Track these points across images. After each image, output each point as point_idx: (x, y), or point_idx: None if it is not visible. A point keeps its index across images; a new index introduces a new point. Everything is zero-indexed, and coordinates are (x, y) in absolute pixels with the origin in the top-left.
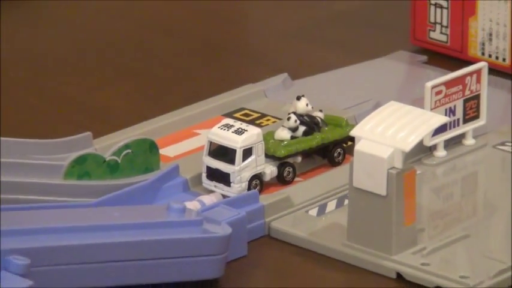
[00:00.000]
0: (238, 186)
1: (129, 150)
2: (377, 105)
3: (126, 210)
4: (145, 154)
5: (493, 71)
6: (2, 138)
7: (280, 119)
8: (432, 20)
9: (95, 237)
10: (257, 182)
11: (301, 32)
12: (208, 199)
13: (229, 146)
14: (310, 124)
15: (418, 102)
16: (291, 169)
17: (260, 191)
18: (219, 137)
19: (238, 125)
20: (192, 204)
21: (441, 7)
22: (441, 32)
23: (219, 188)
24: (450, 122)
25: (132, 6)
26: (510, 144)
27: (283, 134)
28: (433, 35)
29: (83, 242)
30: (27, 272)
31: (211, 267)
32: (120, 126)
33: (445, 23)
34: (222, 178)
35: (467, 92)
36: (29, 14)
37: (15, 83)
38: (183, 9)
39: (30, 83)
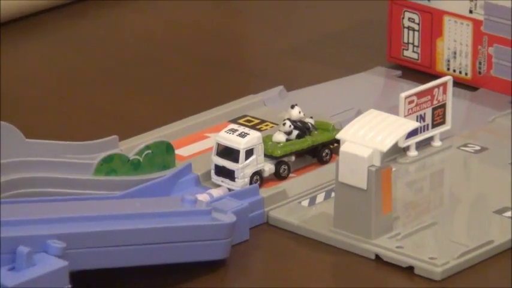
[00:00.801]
0: (241, 181)
1: (149, 151)
2: (358, 113)
3: (147, 202)
4: (163, 154)
5: (457, 83)
6: (43, 141)
7: (277, 124)
8: (405, 40)
9: (120, 224)
10: (257, 177)
11: (294, 50)
12: (216, 192)
13: (233, 147)
14: (302, 129)
15: (394, 110)
16: (286, 167)
17: (260, 185)
18: (225, 139)
19: (241, 129)
20: (203, 196)
21: (413, 30)
22: (413, 51)
23: (225, 183)
24: (420, 127)
25: (153, 29)
26: (471, 145)
27: (280, 137)
28: (406, 53)
29: (110, 228)
30: (63, 254)
31: (218, 250)
32: (142, 130)
33: (416, 43)
34: (228, 174)
35: (435, 102)
36: (67, 34)
37: (53, 94)
38: (196, 33)
39: (65, 93)
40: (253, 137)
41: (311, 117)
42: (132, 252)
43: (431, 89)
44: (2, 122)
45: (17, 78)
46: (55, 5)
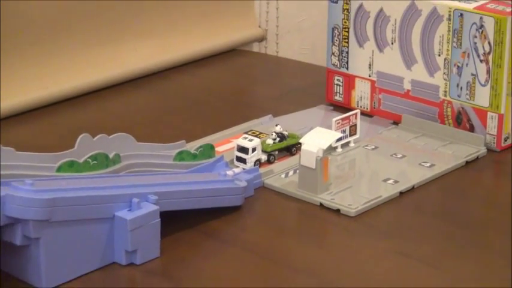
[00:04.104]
0: (249, 165)
1: (202, 148)
2: (311, 129)
3: (200, 175)
4: (209, 150)
5: (362, 113)
6: (145, 143)
7: (267, 134)
8: (335, 91)
9: (186, 187)
10: (258, 163)
11: (277, 96)
12: (236, 170)
13: (245, 146)
14: (282, 137)
15: (329, 127)
16: (273, 157)
17: (259, 167)
18: (241, 142)
19: (249, 137)
20: (229, 172)
21: (339, 85)
22: (339, 96)
23: (241, 166)
24: (343, 136)
25: (201, 84)
26: (370, 146)
27: (269, 141)
28: (336, 97)
29: (181, 189)
30: (156, 202)
31: (238, 200)
32: (197, 138)
33: (341, 92)
34: (243, 161)
35: (351, 123)
36: (159, 89)
37: (153, 120)
38: (225, 85)
39: (159, 120)
40: (256, 141)
41: (286, 131)
42: (192, 201)
43: (348, 116)
44: (126, 134)
45: (135, 112)
46: (156, 71)
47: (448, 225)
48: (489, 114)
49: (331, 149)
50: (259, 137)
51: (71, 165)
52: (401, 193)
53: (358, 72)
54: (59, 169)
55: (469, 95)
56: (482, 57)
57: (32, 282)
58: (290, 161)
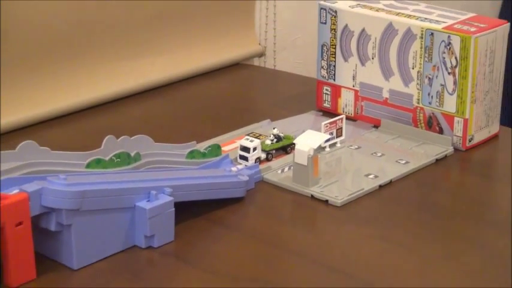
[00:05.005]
0: (251, 162)
1: (210, 148)
2: (303, 131)
3: (209, 171)
4: (216, 149)
5: (347, 118)
6: (161, 144)
7: (266, 136)
8: (324, 99)
9: (197, 181)
10: (258, 160)
11: (275, 103)
12: (240, 167)
13: (247, 146)
14: (278, 138)
15: (319, 130)
16: (271, 155)
17: (259, 164)
18: (243, 143)
19: (251, 138)
20: (233, 169)
21: (328, 94)
22: (327, 104)
23: (244, 163)
24: (331, 137)
25: (211, 94)
26: (354, 146)
27: (268, 142)
28: (325, 104)
29: (192, 182)
30: (171, 194)
31: (240, 192)
32: (206, 139)
33: (329, 100)
34: (245, 159)
35: (337, 126)
36: (179, 98)
37: (171, 127)
38: (229, 94)
39: (176, 126)
40: (256, 141)
41: (282, 133)
42: (201, 193)
43: (335, 121)
44: (145, 135)
45: (153, 117)
46: (170, 82)
47: (421, 214)
48: (456, 119)
49: (320, 148)
50: (259, 138)
51: (98, 163)
52: (380, 186)
53: (343, 83)
54: (87, 166)
55: (439, 103)
56: (449, 70)
57: (65, 263)
58: (285, 159)
